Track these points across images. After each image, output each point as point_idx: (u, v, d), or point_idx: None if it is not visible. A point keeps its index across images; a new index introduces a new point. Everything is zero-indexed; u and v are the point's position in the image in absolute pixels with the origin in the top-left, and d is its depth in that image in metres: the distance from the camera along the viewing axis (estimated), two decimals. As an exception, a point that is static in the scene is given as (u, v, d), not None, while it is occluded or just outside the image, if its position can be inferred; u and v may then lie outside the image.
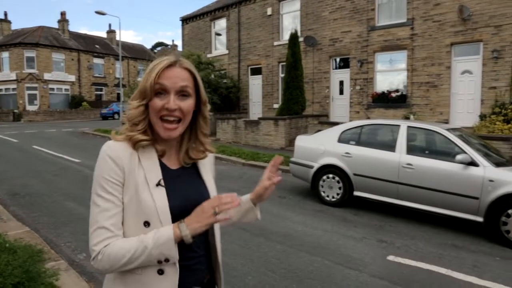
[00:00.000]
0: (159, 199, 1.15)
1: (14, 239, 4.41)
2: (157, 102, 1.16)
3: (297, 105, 14.15)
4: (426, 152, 5.63)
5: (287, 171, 7.48)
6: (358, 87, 14.96)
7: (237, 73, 19.45)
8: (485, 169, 4.95)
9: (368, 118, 13.90)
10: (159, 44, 69.37)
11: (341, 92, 15.60)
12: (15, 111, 31.69)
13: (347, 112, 15.22)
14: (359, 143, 6.21)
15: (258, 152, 11.50)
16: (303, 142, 7.02)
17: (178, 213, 1.16)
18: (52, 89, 35.55)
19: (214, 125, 16.51)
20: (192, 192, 1.25)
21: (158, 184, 1.17)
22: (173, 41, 24.41)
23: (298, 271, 3.96)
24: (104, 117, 32.32)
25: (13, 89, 34.31)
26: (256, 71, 18.77)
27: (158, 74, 1.15)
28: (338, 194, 6.29)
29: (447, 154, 5.32)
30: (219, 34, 20.87)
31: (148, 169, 1.18)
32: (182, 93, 1.18)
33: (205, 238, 1.29)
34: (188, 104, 1.19)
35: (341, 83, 15.60)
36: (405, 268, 4.12)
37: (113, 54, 39.87)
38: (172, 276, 1.15)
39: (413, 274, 3.98)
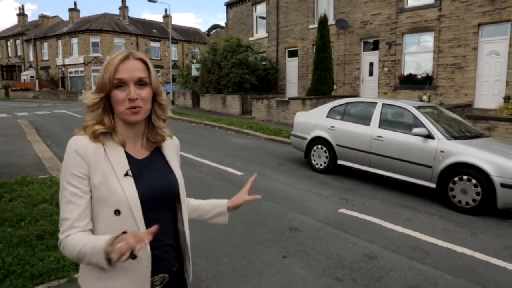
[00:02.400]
0: (128, 189, 1.21)
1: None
2: (119, 94, 1.23)
3: (325, 86, 14.91)
4: (395, 126, 6.43)
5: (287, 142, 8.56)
6: (386, 69, 15.35)
7: (276, 55, 20.41)
8: (439, 142, 5.72)
9: (396, 98, 14.33)
10: (215, 26, 71.27)
11: (371, 74, 16.07)
12: (83, 91, 35.18)
13: (375, 93, 15.71)
14: (342, 118, 7.14)
15: (281, 129, 12.58)
16: (301, 117, 8.06)
17: (148, 200, 1.24)
18: (114, 71, 38.81)
19: (250, 104, 17.75)
20: (159, 180, 1.31)
21: (126, 174, 1.23)
22: (226, 24, 25.49)
23: (260, 215, 5.12)
24: (159, 97, 34.79)
25: (81, 71, 38.09)
26: (293, 53, 19.62)
27: (116, 69, 1.23)
28: (325, 162, 7.30)
29: (412, 128, 6.09)
30: (263, 18, 21.80)
31: (114, 160, 1.24)
32: (140, 83, 1.25)
33: (174, 226, 1.36)
34: (146, 92, 1.27)
35: (371, 65, 16.05)
36: (347, 217, 5.13)
37: (169, 38, 42.13)
38: (145, 259, 1.22)
39: (350, 221, 4.98)
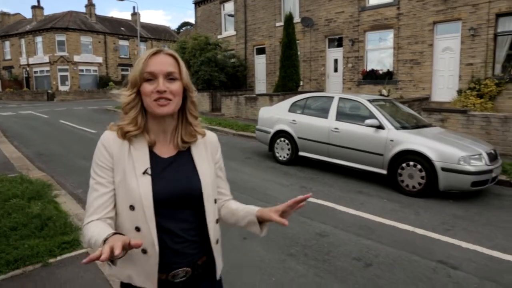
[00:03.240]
0: (144, 187, 1.26)
1: (34, 179, 6.21)
2: (148, 86, 1.27)
3: (291, 82, 15.38)
4: (350, 118, 6.90)
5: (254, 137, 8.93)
6: (350, 65, 15.98)
7: (244, 53, 20.74)
8: (389, 131, 6.22)
9: (359, 93, 14.96)
10: (185, 23, 70.87)
11: (336, 70, 16.66)
12: (49, 91, 34.33)
13: (340, 88, 16.31)
14: (303, 112, 7.57)
15: (249, 124, 12.94)
16: (265, 112, 8.45)
17: (165, 198, 1.29)
18: (82, 70, 38.05)
19: (220, 101, 18.02)
20: (180, 180, 1.34)
21: (144, 173, 1.28)
22: (195, 22, 25.56)
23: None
24: (129, 96, 34.43)
25: (47, 71, 37.05)
26: (261, 51, 20.01)
27: (146, 63, 1.27)
28: (287, 154, 7.71)
29: (365, 120, 6.57)
30: (231, 16, 22.06)
31: (137, 158, 1.29)
32: (169, 77, 1.28)
33: (198, 224, 1.38)
34: (176, 86, 1.29)
35: (336, 61, 16.64)
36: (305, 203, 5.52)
37: (138, 36, 41.72)
38: (154, 256, 1.28)
39: (307, 206, 5.35)
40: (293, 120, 7.58)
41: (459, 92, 12.71)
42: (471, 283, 3.40)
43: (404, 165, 5.99)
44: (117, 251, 1.00)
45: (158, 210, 1.28)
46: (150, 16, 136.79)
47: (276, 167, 7.66)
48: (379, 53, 15.40)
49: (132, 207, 1.27)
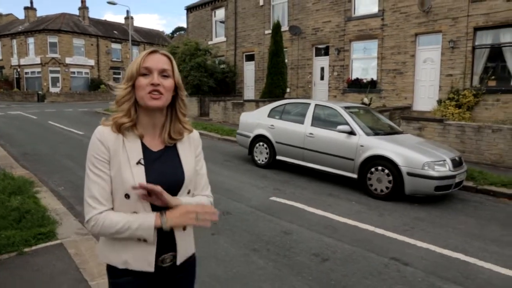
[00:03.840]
0: (138, 176, 1.36)
1: (16, 176, 6.39)
2: (143, 80, 1.37)
3: (278, 89, 15.69)
4: (325, 124, 7.18)
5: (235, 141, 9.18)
6: (335, 73, 16.35)
7: (234, 59, 21.06)
8: (359, 137, 6.51)
9: (344, 101, 15.32)
10: (179, 28, 71.23)
11: (322, 78, 17.02)
12: (40, 92, 34.31)
13: (326, 96, 16.66)
14: (281, 117, 7.85)
15: (235, 130, 13.12)
16: (245, 117, 8.73)
17: None
18: (73, 72, 38.14)
19: (208, 106, 18.26)
20: (169, 172, 1.44)
21: (138, 163, 1.39)
22: (187, 27, 25.87)
23: (200, 202, 5.68)
24: (120, 99, 34.52)
25: (38, 72, 37.07)
26: (250, 58, 20.34)
27: (143, 59, 1.38)
28: (266, 158, 7.97)
29: (338, 126, 6.86)
30: (222, 22, 22.39)
31: (130, 149, 1.39)
32: (163, 74, 1.39)
33: None
34: (169, 82, 1.40)
35: (322, 69, 17.00)
36: (276, 204, 5.79)
37: (129, 40, 41.95)
38: (152, 244, 1.39)
39: (278, 207, 5.64)
40: (272, 125, 7.86)
41: (439, 102, 13.11)
42: (417, 277, 3.67)
43: (373, 169, 6.28)
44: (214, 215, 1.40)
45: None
46: (145, 20, 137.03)
47: (254, 170, 7.92)
48: (364, 62, 15.79)
49: (127, 196, 1.37)
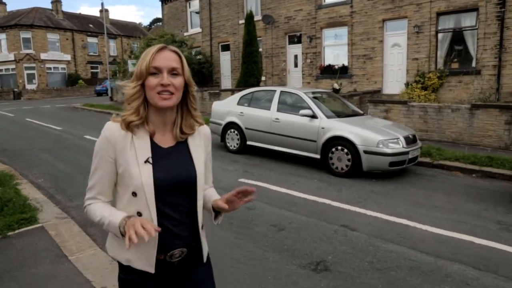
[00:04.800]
0: (145, 175, 1.36)
1: (-4, 171, 6.68)
2: (153, 80, 1.35)
3: (253, 77, 16.04)
4: (289, 109, 7.62)
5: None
6: (308, 61, 16.78)
7: (210, 50, 21.28)
8: (321, 120, 6.98)
9: (317, 88, 15.79)
10: (157, 19, 70.40)
11: (296, 65, 17.44)
12: (15, 90, 33.83)
13: (300, 83, 17.10)
14: (249, 104, 8.26)
15: (211, 119, 13.54)
16: (217, 105, 9.12)
17: (164, 185, 1.38)
18: (49, 68, 37.65)
19: (186, 97, 18.48)
20: (179, 168, 1.44)
21: (146, 161, 1.37)
22: (162, 19, 25.72)
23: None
24: (99, 94, 34.32)
25: (12, 69, 36.45)
26: (226, 48, 20.59)
27: (152, 58, 1.35)
28: (237, 144, 8.39)
29: (301, 110, 7.29)
30: (198, 13, 22.48)
31: (139, 147, 1.38)
32: (173, 72, 1.36)
33: (191, 208, 1.48)
34: (178, 81, 1.38)
35: (296, 57, 17.41)
36: (243, 184, 6.21)
37: (107, 33, 41.40)
38: (153, 240, 1.38)
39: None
40: (241, 113, 8.26)
41: (407, 84, 13.69)
42: (360, 239, 4.16)
43: (333, 149, 6.76)
44: (152, 234, 1.24)
45: (159, 196, 1.38)
46: (121, 12, 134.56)
47: (226, 155, 8.33)
48: (335, 49, 16.25)
49: (134, 194, 1.37)
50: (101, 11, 44.36)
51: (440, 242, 4.14)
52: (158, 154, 1.41)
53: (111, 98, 25.48)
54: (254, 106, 8.14)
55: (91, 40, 41.14)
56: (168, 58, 1.37)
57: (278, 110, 7.65)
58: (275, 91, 7.96)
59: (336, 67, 15.83)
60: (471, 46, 12.76)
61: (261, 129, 7.80)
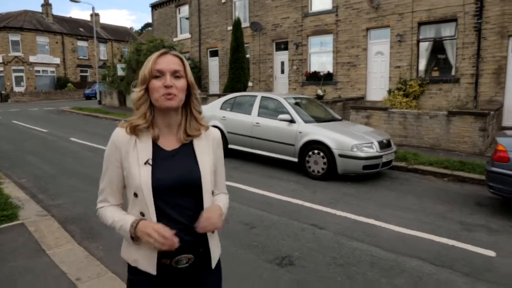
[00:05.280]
0: (144, 176, 1.39)
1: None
2: (156, 82, 1.39)
3: (239, 83, 16.28)
4: (269, 114, 7.84)
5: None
6: (295, 67, 17.09)
7: (198, 55, 21.50)
8: (299, 125, 7.22)
9: (302, 94, 16.08)
10: (148, 24, 70.54)
11: (282, 72, 17.74)
12: (3, 92, 33.65)
13: (286, 89, 17.38)
14: (232, 109, 8.47)
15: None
16: (202, 109, 9.27)
17: (166, 187, 1.41)
18: (38, 71, 37.51)
19: (174, 102, 18.65)
20: (182, 169, 1.45)
21: (146, 163, 1.41)
22: (152, 24, 25.93)
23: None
24: (88, 97, 34.27)
25: (0, 71, 36.23)
26: (214, 53, 20.84)
27: (155, 62, 1.40)
28: (219, 147, 8.57)
29: (280, 115, 7.53)
30: (187, 18, 22.71)
31: (141, 149, 1.43)
32: (175, 75, 1.40)
33: (197, 212, 1.43)
34: (181, 83, 1.41)
35: (282, 63, 17.71)
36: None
37: (97, 37, 41.38)
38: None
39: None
40: (223, 117, 8.47)
41: (389, 92, 14.03)
42: (327, 237, 4.38)
43: (310, 153, 7.00)
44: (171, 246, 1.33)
45: (161, 197, 1.40)
46: (113, 16, 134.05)
47: (209, 158, 8.51)
48: (321, 56, 16.58)
49: (135, 195, 1.42)
50: (91, 15, 44.54)
51: (402, 241, 4.38)
52: (160, 157, 1.44)
53: (100, 102, 25.52)
54: (236, 111, 8.36)
55: (81, 43, 41.12)
56: (170, 62, 1.41)
57: (259, 114, 7.87)
58: (256, 96, 8.19)
59: (321, 73, 16.15)
60: (451, 55, 13.17)
61: (242, 133, 8.01)
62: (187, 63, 1.47)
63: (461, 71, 12.70)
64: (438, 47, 13.53)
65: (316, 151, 6.91)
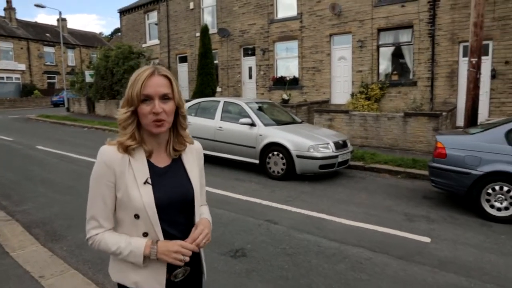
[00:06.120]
0: (146, 196, 1.36)
1: None
2: (145, 108, 1.36)
3: (208, 88, 16.52)
4: (232, 118, 8.16)
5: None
6: (262, 72, 17.50)
7: (168, 61, 21.61)
8: (259, 128, 7.56)
9: (270, 99, 16.50)
10: (119, 29, 69.59)
11: (250, 77, 18.12)
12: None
13: (254, 94, 17.77)
14: (196, 114, 8.73)
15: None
16: (166, 115, 9.50)
17: (164, 205, 1.40)
18: (2, 78, 36.46)
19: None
20: (177, 186, 1.46)
21: (145, 182, 1.38)
22: (121, 30, 25.67)
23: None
24: (56, 104, 33.56)
25: (-38, 79, 35.06)
26: (183, 59, 21.02)
27: (143, 85, 1.35)
28: (185, 151, 8.80)
29: (241, 119, 7.85)
30: (157, 24, 22.77)
31: (137, 169, 1.39)
32: (164, 98, 1.37)
33: (189, 226, 1.48)
34: (170, 106, 1.39)
35: (250, 69, 18.10)
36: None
37: (65, 43, 40.63)
38: (162, 265, 1.41)
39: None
40: (188, 122, 8.62)
41: (352, 95, 14.64)
42: (279, 231, 4.72)
43: (270, 154, 7.35)
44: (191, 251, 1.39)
45: (159, 216, 1.38)
46: (82, 21, 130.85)
47: (175, 162, 8.73)
48: (287, 61, 17.06)
49: (137, 216, 1.37)
50: (58, 20, 43.72)
51: (348, 232, 4.76)
52: (156, 174, 1.42)
53: (68, 109, 25.13)
54: (201, 116, 8.62)
55: (48, 49, 40.26)
56: (158, 85, 1.37)
57: (222, 119, 8.17)
58: (219, 101, 8.49)
59: (287, 78, 16.62)
60: (409, 59, 13.89)
61: (206, 137, 8.27)
62: (175, 82, 1.44)
63: (418, 75, 13.42)
64: (397, 52, 14.24)
65: (275, 153, 7.26)
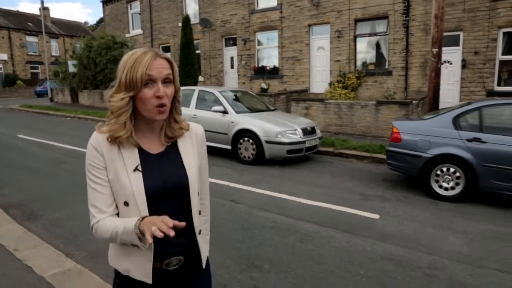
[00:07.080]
0: (136, 183, 1.31)
1: None
2: (147, 92, 1.27)
3: (190, 78, 16.72)
4: (206, 106, 8.47)
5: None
6: (243, 62, 17.77)
7: (151, 51, 21.66)
8: (231, 115, 7.90)
9: (251, 88, 16.80)
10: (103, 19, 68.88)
11: (232, 67, 18.37)
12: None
13: (236, 83, 18.04)
14: (172, 103, 9.00)
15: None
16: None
17: (156, 193, 1.33)
18: (-16, 68, 36.03)
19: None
20: (170, 175, 1.38)
21: (135, 169, 1.32)
22: (104, 20, 25.41)
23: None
24: (39, 95, 33.38)
25: None
26: (166, 49, 21.09)
27: (148, 67, 1.26)
28: (162, 139, 9.12)
29: (213, 107, 8.18)
30: (139, 14, 22.79)
31: (126, 156, 1.33)
32: (165, 81, 1.30)
33: (185, 215, 1.40)
34: (171, 90, 1.33)
35: (232, 58, 18.34)
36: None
37: (48, 32, 40.21)
38: (149, 249, 1.32)
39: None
40: (164, 110, 8.99)
41: (330, 84, 15.02)
42: (241, 209, 5.09)
43: (241, 140, 7.70)
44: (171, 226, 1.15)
45: (150, 204, 1.32)
46: (66, 9, 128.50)
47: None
48: (268, 51, 17.35)
49: (126, 203, 1.32)
50: (40, 9, 43.10)
51: (305, 210, 5.16)
52: (147, 161, 1.36)
53: (51, 99, 25.09)
54: (176, 104, 8.89)
55: (30, 39, 39.74)
56: (161, 66, 1.30)
57: (197, 107, 8.47)
58: (194, 90, 8.78)
59: (268, 68, 16.93)
60: (384, 49, 14.28)
61: (182, 124, 8.57)
62: (175, 66, 1.38)
63: (393, 64, 13.84)
64: (373, 42, 14.62)
65: (246, 139, 7.61)
